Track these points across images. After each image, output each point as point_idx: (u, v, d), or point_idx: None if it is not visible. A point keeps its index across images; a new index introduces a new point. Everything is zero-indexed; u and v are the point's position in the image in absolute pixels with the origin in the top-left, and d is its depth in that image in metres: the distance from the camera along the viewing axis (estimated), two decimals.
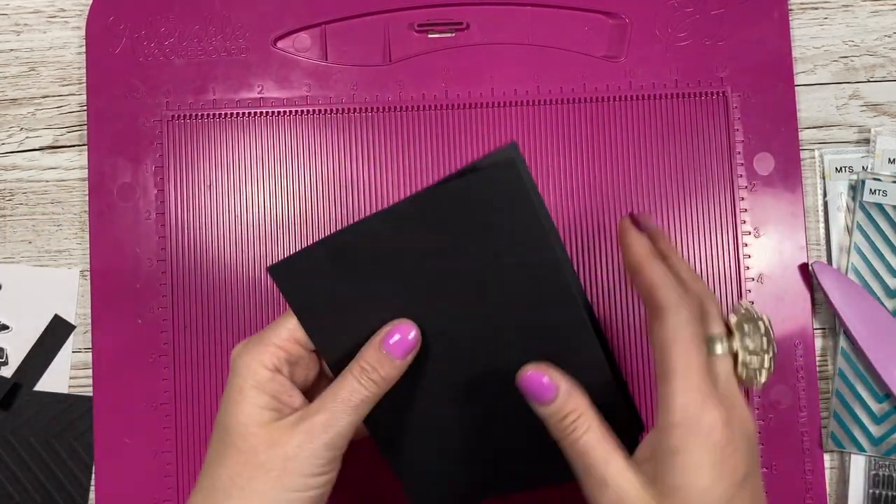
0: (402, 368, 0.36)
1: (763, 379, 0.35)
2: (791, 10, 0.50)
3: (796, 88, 0.49)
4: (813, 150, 0.49)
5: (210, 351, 0.47)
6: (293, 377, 0.37)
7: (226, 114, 0.48)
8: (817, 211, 0.49)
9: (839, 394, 0.47)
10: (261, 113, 0.48)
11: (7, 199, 0.50)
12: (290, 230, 0.48)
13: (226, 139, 0.48)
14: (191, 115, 0.48)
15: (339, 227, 0.48)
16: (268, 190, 0.48)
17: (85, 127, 0.49)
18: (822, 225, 0.49)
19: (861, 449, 0.47)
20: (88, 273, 0.48)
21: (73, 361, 0.49)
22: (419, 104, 0.48)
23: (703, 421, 0.32)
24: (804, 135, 0.49)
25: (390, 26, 0.49)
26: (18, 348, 0.49)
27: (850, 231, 0.48)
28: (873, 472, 0.47)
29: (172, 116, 0.48)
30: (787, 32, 0.49)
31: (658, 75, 0.48)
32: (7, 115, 0.50)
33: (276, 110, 0.48)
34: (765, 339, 0.35)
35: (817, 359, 0.47)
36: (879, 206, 0.48)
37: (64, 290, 0.49)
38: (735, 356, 0.35)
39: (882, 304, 0.47)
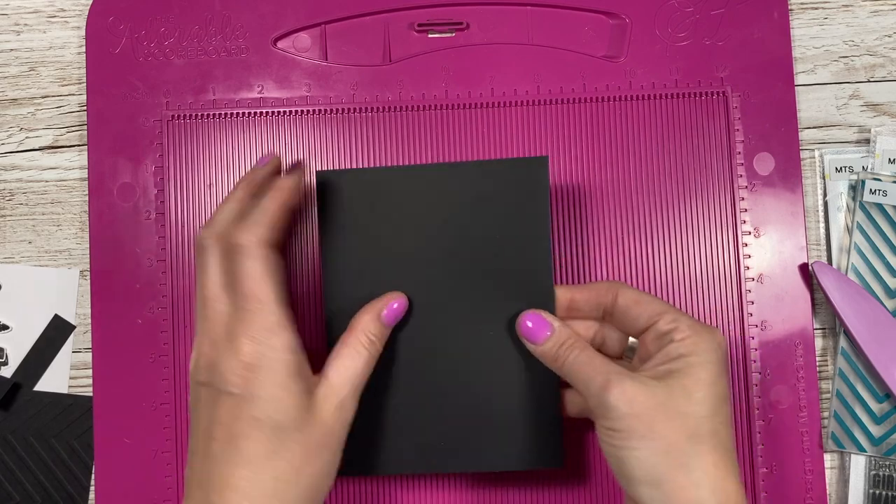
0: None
1: None
2: (791, 10, 0.50)
3: (796, 88, 0.49)
4: (813, 150, 0.49)
5: None
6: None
7: (226, 114, 0.48)
8: (817, 211, 0.49)
9: (839, 394, 0.47)
10: (261, 113, 0.48)
11: (7, 199, 0.50)
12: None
13: (226, 139, 0.48)
14: (191, 115, 0.48)
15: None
16: None
17: (85, 127, 0.49)
18: (822, 225, 0.49)
19: (861, 449, 0.47)
20: (88, 273, 0.48)
21: (73, 361, 0.49)
22: (419, 104, 0.48)
23: (712, 333, 0.38)
24: (804, 135, 0.49)
25: (390, 26, 0.49)
26: (18, 348, 0.49)
27: (850, 231, 0.48)
28: (873, 473, 0.47)
29: (172, 116, 0.48)
30: (788, 32, 0.49)
31: (658, 75, 0.48)
32: (7, 115, 0.50)
33: (276, 110, 0.48)
34: None
35: (817, 359, 0.47)
36: (879, 206, 0.48)
37: (64, 290, 0.49)
38: None
39: (882, 304, 0.47)
